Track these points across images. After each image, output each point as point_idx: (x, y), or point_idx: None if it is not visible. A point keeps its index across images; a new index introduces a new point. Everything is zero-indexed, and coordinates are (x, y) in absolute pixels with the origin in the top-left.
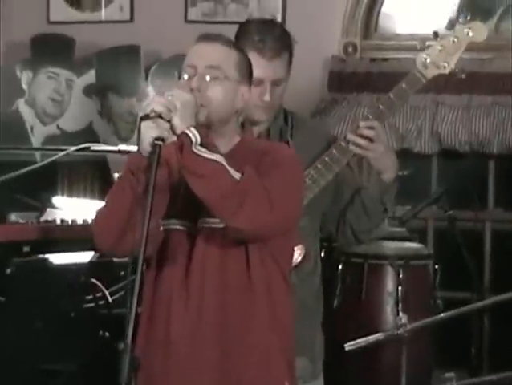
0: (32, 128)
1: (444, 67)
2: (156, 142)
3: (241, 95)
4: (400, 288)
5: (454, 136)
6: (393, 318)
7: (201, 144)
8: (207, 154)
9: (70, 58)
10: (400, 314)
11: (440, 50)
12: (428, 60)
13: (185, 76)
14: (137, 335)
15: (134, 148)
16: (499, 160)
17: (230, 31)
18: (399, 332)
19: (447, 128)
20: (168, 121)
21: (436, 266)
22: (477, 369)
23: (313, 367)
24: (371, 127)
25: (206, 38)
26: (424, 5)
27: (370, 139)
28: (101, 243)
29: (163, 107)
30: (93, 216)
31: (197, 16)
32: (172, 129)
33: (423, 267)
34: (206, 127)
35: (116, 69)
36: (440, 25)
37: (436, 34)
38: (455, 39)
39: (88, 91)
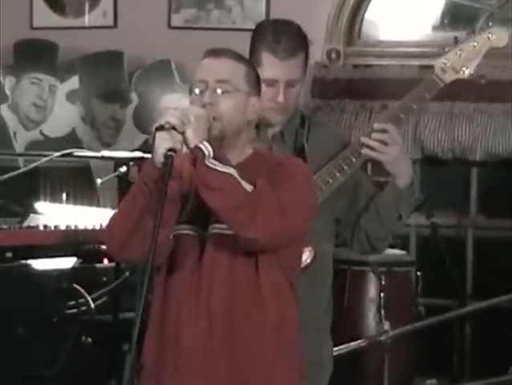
0: (15, 134)
1: (463, 72)
2: (168, 153)
3: (251, 105)
4: (382, 294)
5: (437, 143)
6: (375, 324)
7: (213, 157)
8: (220, 167)
9: (53, 63)
10: (383, 320)
11: (459, 55)
12: (447, 65)
13: (197, 91)
14: (145, 339)
15: (116, 154)
16: (481, 167)
17: (213, 37)
18: (381, 338)
19: (429, 135)
20: (182, 133)
21: (419, 273)
22: (458, 376)
23: (319, 378)
24: (384, 131)
25: (214, 52)
26: (407, 12)
27: (384, 143)
28: (109, 246)
29: (177, 120)
30: (79, 221)
31: (180, 22)
32: (186, 142)
33: (405, 274)
34: (219, 140)
35: (100, 75)
36: (424, 32)
37: (456, 39)
38: (475, 44)
39: (71, 96)
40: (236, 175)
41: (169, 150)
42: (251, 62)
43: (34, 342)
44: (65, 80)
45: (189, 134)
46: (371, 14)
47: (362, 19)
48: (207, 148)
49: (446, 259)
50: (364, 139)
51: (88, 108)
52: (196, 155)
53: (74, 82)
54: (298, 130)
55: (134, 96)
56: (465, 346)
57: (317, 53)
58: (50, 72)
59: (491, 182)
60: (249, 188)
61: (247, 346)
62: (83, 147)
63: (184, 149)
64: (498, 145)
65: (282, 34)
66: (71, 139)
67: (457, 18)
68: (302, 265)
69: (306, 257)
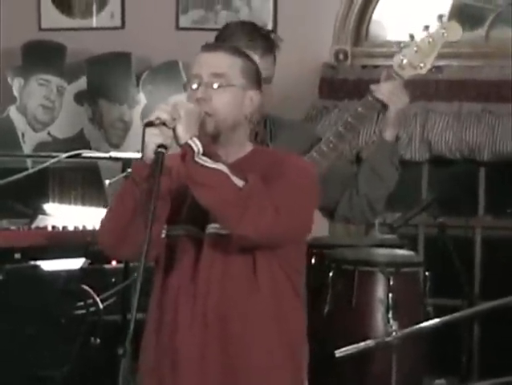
0: (23, 135)
1: (421, 68)
2: (159, 149)
3: (249, 99)
4: (390, 295)
5: (444, 144)
6: (384, 324)
7: (203, 154)
8: (209, 163)
9: (61, 64)
10: (391, 320)
11: (416, 51)
12: (404, 61)
13: (194, 86)
14: (142, 341)
15: (125, 155)
16: (489, 167)
17: None
18: (389, 339)
19: (437, 136)
20: (173, 129)
21: (427, 273)
22: (467, 376)
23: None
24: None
25: (209, 46)
26: (415, 12)
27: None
28: (104, 246)
29: (167, 115)
30: (88, 222)
31: (187, 23)
32: (176, 137)
33: (413, 274)
34: (215, 137)
35: (107, 76)
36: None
37: (411, 36)
38: (430, 40)
39: (79, 97)
40: (226, 170)
41: (159, 146)
42: (249, 56)
43: (42, 342)
44: (73, 81)
45: (179, 130)
46: (378, 14)
47: (369, 20)
48: (196, 145)
49: (454, 259)
50: (374, 87)
51: (96, 109)
52: (185, 151)
53: (82, 83)
54: (261, 132)
55: (142, 97)
56: (473, 347)
57: (325, 53)
58: (58, 73)
59: (499, 182)
60: (240, 183)
61: (242, 349)
62: (91, 149)
63: (175, 146)
64: (506, 145)
65: (256, 32)
66: (79, 141)
67: (464, 19)
68: None
69: None
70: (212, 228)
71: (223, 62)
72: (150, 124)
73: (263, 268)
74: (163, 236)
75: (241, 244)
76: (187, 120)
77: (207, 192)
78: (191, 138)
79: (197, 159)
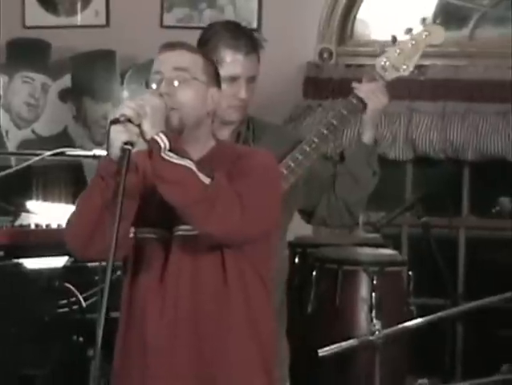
0: (7, 132)
1: (404, 70)
2: (125, 146)
3: (210, 96)
4: (374, 294)
5: (429, 143)
6: (367, 324)
7: (170, 150)
8: (176, 159)
9: (45, 62)
10: (374, 320)
11: (398, 54)
12: (387, 63)
13: (153, 85)
14: (114, 342)
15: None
16: (473, 166)
17: None
18: (372, 338)
19: (422, 135)
20: (138, 126)
21: (410, 273)
22: (450, 375)
23: (279, 372)
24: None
25: (169, 45)
26: (400, 11)
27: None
28: (71, 246)
29: (133, 112)
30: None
31: (172, 21)
32: (142, 134)
33: (397, 273)
34: (179, 133)
35: (92, 73)
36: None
37: (394, 38)
38: (413, 42)
39: (63, 95)
40: (193, 167)
41: (126, 143)
42: (208, 56)
43: (25, 341)
44: (57, 79)
45: (145, 126)
46: (363, 13)
47: (354, 19)
48: (163, 140)
49: (438, 259)
50: (356, 85)
51: (80, 107)
52: (152, 147)
53: (66, 81)
54: (244, 132)
55: (126, 95)
56: (456, 346)
57: (309, 52)
58: (43, 71)
59: (483, 182)
60: (206, 180)
61: (214, 346)
62: (75, 146)
63: (142, 142)
64: (490, 145)
65: (240, 32)
66: (63, 138)
67: (449, 18)
68: None
69: None
70: (179, 230)
71: (185, 58)
72: (115, 122)
73: (232, 267)
74: (131, 235)
75: (207, 241)
76: (153, 116)
77: (173, 188)
78: (157, 133)
79: (163, 154)
